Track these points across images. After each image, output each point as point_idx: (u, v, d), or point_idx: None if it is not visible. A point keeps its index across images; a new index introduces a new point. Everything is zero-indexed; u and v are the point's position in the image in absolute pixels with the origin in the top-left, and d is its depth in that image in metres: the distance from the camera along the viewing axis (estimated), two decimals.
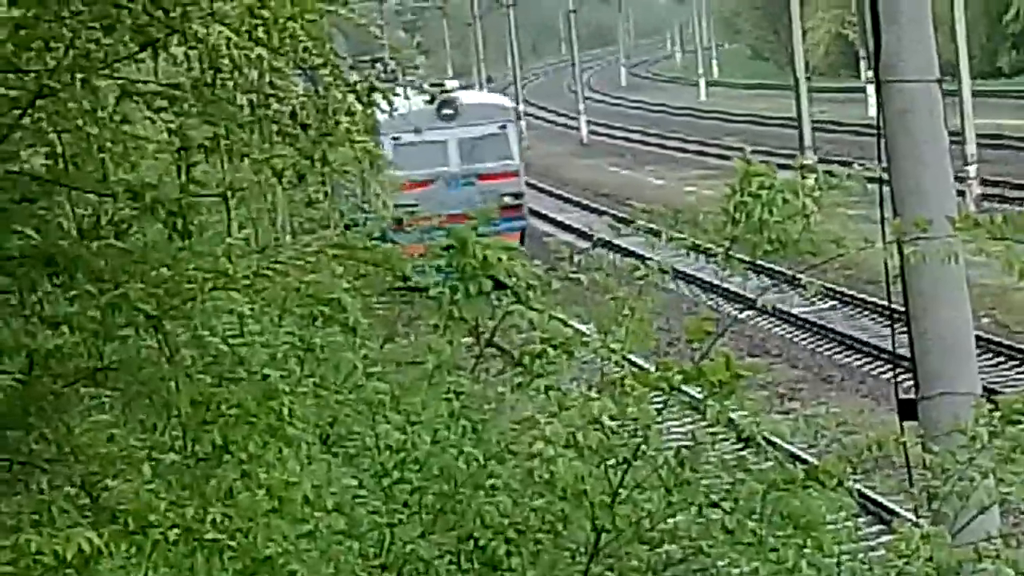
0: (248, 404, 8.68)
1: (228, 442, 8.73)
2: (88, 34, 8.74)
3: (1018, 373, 36.45)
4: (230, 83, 9.12)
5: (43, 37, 8.83)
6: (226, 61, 8.84)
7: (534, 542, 7.93)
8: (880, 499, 20.26)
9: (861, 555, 8.45)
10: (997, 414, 8.62)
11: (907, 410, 10.34)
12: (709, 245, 9.07)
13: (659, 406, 8.06)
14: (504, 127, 43.04)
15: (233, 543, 8.02)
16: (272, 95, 9.33)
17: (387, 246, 12.24)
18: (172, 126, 9.37)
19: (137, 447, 9.21)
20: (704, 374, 8.18)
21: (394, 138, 41.03)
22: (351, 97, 9.59)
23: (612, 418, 7.76)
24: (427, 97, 40.65)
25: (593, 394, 7.86)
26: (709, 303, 51.92)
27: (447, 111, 42.22)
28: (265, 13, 8.85)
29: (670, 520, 8.25)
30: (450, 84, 47.69)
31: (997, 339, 36.17)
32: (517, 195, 44.40)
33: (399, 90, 37.01)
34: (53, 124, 9.08)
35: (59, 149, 9.24)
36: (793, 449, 9.98)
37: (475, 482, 7.83)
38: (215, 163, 9.90)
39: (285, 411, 8.54)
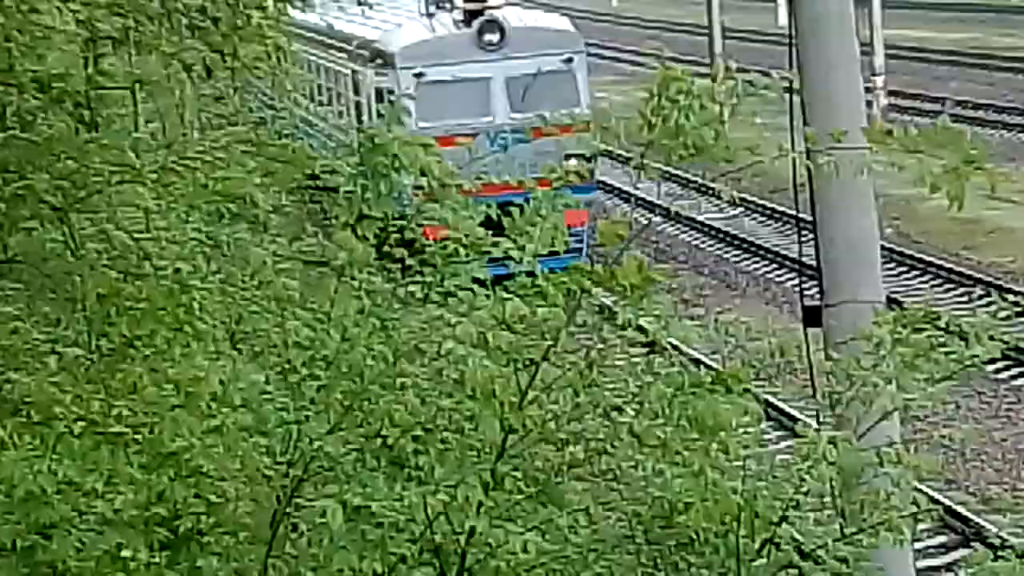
0: (156, 298, 8.67)
1: (134, 336, 8.72)
2: None
3: (921, 282, 37.01)
4: None
5: None
6: None
7: (442, 441, 7.94)
8: (782, 405, 20.44)
9: (766, 459, 8.49)
10: (900, 322, 8.72)
11: (811, 317, 10.43)
12: (620, 152, 9.23)
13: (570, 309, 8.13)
14: (570, 60, 30.72)
15: (138, 437, 8.00)
16: None
17: (296, 143, 12.04)
18: (81, 17, 9.33)
19: (41, 340, 9.21)
20: (616, 277, 8.21)
21: (416, 74, 29.20)
22: None
23: (523, 319, 7.79)
24: (458, 14, 31.76)
25: (504, 295, 7.92)
26: (618, 208, 51.73)
27: (491, 36, 29.66)
28: None
29: (576, 422, 8.32)
30: (495, 1, 34.63)
31: (900, 249, 36.65)
32: (589, 158, 28.45)
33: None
34: None
35: None
36: (698, 355, 10.04)
37: (384, 380, 7.82)
38: (123, 56, 9.88)
39: (194, 306, 8.54)
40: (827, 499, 8.26)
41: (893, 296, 15.96)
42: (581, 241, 26.82)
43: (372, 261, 8.56)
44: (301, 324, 8.12)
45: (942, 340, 8.67)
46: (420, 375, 7.88)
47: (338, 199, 8.73)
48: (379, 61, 27.62)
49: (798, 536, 7.78)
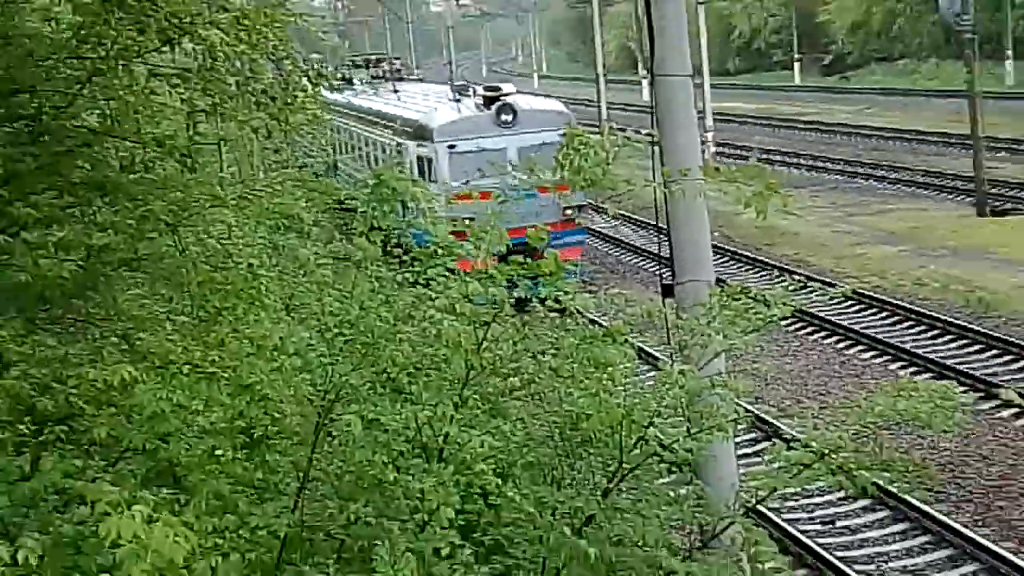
0: (236, 283, 8.92)
1: (223, 308, 8.97)
2: (127, 33, 8.88)
3: (737, 269, 37.24)
4: (223, 68, 9.37)
5: (97, 35, 8.95)
6: (220, 54, 9.09)
7: (426, 375, 8.11)
8: (649, 350, 20.44)
9: (639, 385, 8.74)
10: (724, 294, 9.05)
11: (667, 292, 10.82)
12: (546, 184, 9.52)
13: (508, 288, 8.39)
14: (564, 134, 30.10)
15: (226, 375, 8.22)
16: (251, 76, 9.59)
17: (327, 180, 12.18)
18: (183, 96, 9.62)
19: (160, 311, 9.48)
20: (540, 267, 8.56)
21: (449, 146, 28.98)
22: (304, 79, 9.86)
23: (480, 295, 8.10)
24: (479, 99, 31.75)
25: (467, 279, 8.18)
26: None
27: (506, 116, 29.59)
28: (247, 22, 9.05)
29: (515, 362, 8.59)
30: (507, 87, 34.53)
31: (724, 246, 36.54)
32: (580, 207, 31.89)
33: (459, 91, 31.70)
34: (104, 94, 9.29)
35: (108, 111, 9.46)
36: (594, 317, 10.21)
37: (388, 336, 7.91)
38: (212, 122, 10.16)
39: (261, 288, 8.78)
40: (679, 411, 8.28)
41: (720, 278, 15.89)
42: (578, 269, 27.42)
43: (379, 258, 8.77)
44: (332, 299, 8.33)
45: (752, 306, 8.76)
46: (412, 332, 8.07)
47: (356, 217, 8.90)
48: (420, 136, 27.31)
49: (660, 436, 8.00)
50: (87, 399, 7.97)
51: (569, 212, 26.15)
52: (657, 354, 18.97)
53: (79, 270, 8.78)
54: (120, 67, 9.12)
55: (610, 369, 8.28)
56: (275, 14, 9.15)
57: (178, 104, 9.53)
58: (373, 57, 62.51)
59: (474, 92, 31.77)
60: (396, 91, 45.38)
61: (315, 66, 10.08)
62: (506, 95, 28.81)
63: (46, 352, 8.42)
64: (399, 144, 33.47)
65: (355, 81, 51.51)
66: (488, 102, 28.84)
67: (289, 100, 9.60)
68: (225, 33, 8.96)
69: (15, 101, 9.04)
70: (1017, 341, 27.58)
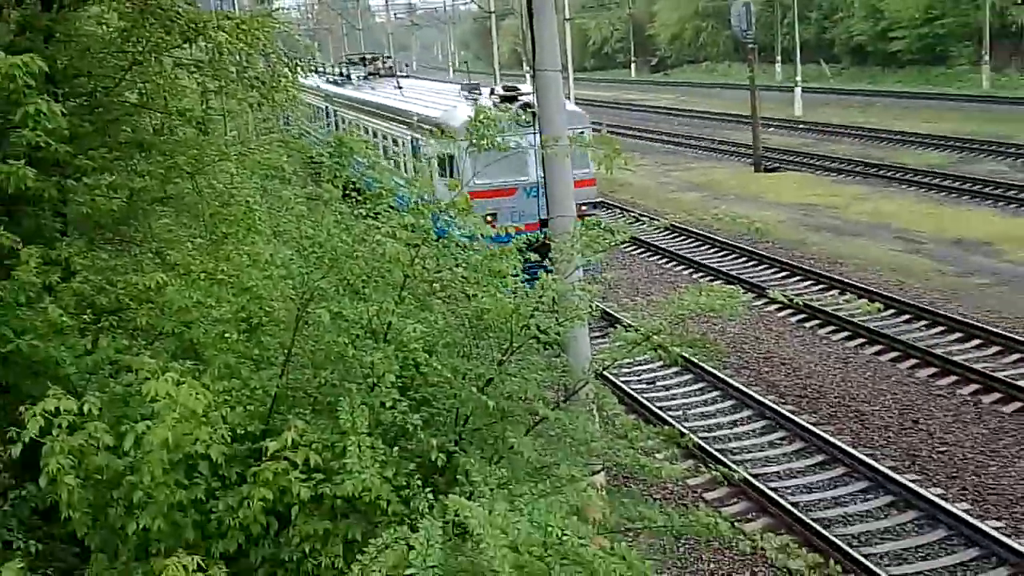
0: (238, 215, 8.86)
1: (227, 233, 8.90)
2: (157, 34, 8.77)
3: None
4: (227, 60, 9.27)
5: (135, 35, 8.83)
6: (225, 50, 8.99)
7: (375, 281, 8.05)
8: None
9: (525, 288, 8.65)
10: (584, 226, 9.02)
11: (544, 224, 10.87)
12: None
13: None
14: (582, 133, 22.11)
15: (231, 280, 8.20)
16: (247, 66, 9.49)
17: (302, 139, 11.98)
18: (198, 80, 9.53)
19: (183, 235, 9.40)
20: (456, 204, 8.57)
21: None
22: (285, 69, 9.78)
23: (413, 225, 8.07)
24: (495, 98, 24.61)
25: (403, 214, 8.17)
26: None
27: (526, 116, 22.11)
28: (244, 27, 8.95)
29: (438, 272, 8.56)
30: (523, 87, 27.79)
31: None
32: (595, 204, 24.75)
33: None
34: (140, 78, 9.18)
35: (144, 91, 9.34)
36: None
37: (347, 253, 7.86)
38: (219, 99, 10.03)
39: (256, 218, 8.71)
40: (551, 306, 8.28)
41: (580, 214, 16.04)
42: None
43: (339, 198, 8.71)
44: (307, 227, 8.23)
45: (601, 234, 8.70)
46: (364, 251, 8.02)
47: (323, 169, 8.84)
48: (442, 133, 21.30)
49: (538, 323, 7.97)
50: (131, 297, 7.97)
51: (584, 208, 20.40)
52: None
53: (124, 205, 8.73)
54: (152, 59, 9.04)
55: (504, 278, 8.26)
56: (264, 22, 9.10)
57: (194, 86, 9.50)
58: (368, 55, 52.49)
59: (491, 91, 25.91)
60: (400, 87, 36.66)
61: (292, 60, 9.97)
62: (524, 95, 23.32)
63: (101, 263, 8.39)
64: (415, 140, 28.12)
65: (352, 76, 43.89)
66: (505, 101, 23.36)
67: (274, 84, 9.57)
68: (228, 35, 8.91)
69: (76, 83, 8.91)
70: (779, 258, 28.43)
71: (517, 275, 8.47)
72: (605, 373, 8.97)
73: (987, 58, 65.75)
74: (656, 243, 30.94)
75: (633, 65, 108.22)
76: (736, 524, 6.93)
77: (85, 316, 7.80)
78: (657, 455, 8.08)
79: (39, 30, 8.38)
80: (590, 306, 8.64)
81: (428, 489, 6.79)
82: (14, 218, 8.09)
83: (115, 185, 8.50)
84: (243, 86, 9.37)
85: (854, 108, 63.74)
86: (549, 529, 5.91)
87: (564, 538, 5.85)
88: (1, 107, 7.21)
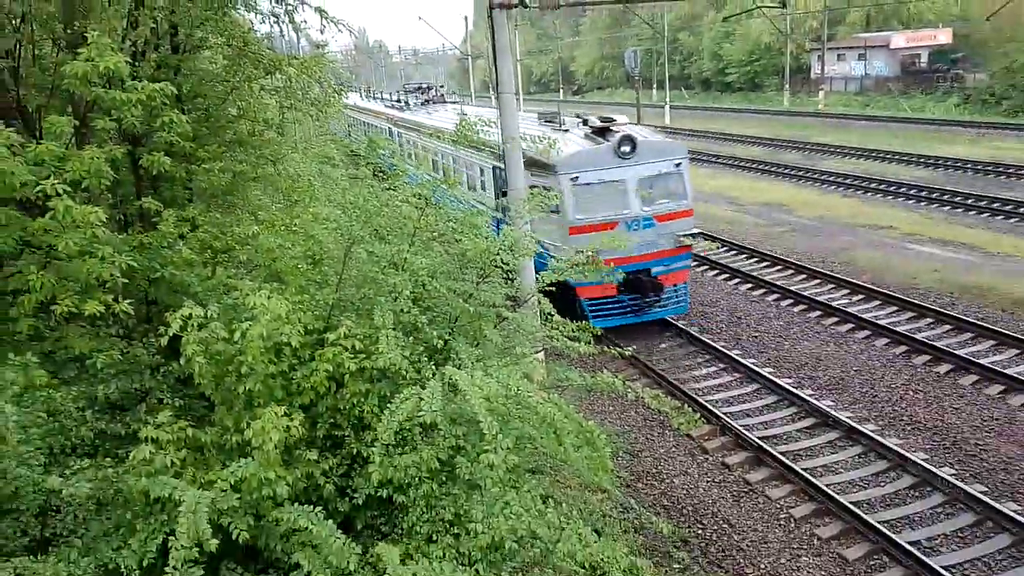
0: (303, 188, 8.77)
1: (297, 200, 8.78)
2: (248, 68, 8.62)
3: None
4: (295, 86, 9.13)
5: (234, 69, 8.66)
6: (294, 79, 8.86)
7: (395, 231, 8.00)
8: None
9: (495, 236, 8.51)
10: (530, 194, 8.89)
11: (503, 194, 10.76)
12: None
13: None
14: (679, 164, 16.60)
15: (301, 230, 8.01)
16: (308, 90, 9.33)
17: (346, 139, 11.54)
18: (276, 99, 9.37)
19: (269, 201, 9.26)
20: (447, 182, 8.47)
21: (572, 178, 15.68)
22: (333, 92, 9.63)
23: (420, 195, 8.02)
24: (588, 130, 17.24)
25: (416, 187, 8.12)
26: None
27: (626, 148, 15.88)
28: (306, 65, 8.84)
29: (437, 225, 8.43)
30: (621, 119, 17.48)
31: None
32: (693, 235, 17.31)
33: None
34: (239, 98, 9.04)
35: (241, 106, 9.18)
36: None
37: (376, 212, 7.73)
38: (291, 112, 9.75)
39: (314, 190, 8.61)
40: (510, 247, 8.16)
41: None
42: (686, 290, 17.91)
43: (370, 176, 8.62)
44: (350, 195, 8.14)
45: (545, 199, 8.60)
46: (388, 211, 7.96)
47: (360, 157, 8.73)
48: (538, 166, 15.30)
49: (502, 258, 7.91)
50: (236, 241, 7.92)
51: (683, 239, 16.67)
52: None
53: (230, 182, 8.64)
54: (246, 85, 8.89)
55: (477, 228, 8.22)
56: (319, 61, 8.96)
57: (274, 103, 9.33)
58: (424, 84, 43.30)
59: (582, 122, 17.95)
60: (465, 115, 18.44)
61: (338, 87, 9.81)
62: (621, 126, 17.00)
63: (216, 220, 8.32)
64: (495, 168, 18.39)
65: (410, 102, 34.78)
66: (600, 132, 16.81)
67: (326, 103, 9.43)
68: (296, 70, 8.77)
69: (196, 102, 8.76)
70: None
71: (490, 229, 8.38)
72: (545, 289, 8.68)
73: (787, 86, 66.05)
74: None
75: (561, 91, 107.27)
76: (626, 382, 7.05)
77: (206, 255, 7.77)
78: (577, 341, 8.10)
79: (170, 67, 8.23)
80: (534, 246, 8.59)
81: (432, 363, 6.88)
82: (157, 191, 8.02)
83: (223, 169, 8.41)
84: (305, 104, 9.22)
85: (703, 119, 63.68)
86: (509, 386, 6.03)
87: (519, 392, 5.97)
88: (147, 118, 7.11)
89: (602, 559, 6.17)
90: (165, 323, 6.03)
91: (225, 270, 7.71)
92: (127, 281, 6.46)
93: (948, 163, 35.13)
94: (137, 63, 7.71)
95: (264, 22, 9.01)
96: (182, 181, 8.31)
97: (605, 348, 7.92)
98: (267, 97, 9.24)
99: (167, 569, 5.04)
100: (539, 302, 8.54)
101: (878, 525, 10.77)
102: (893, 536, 10.50)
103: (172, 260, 7.16)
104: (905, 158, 37.05)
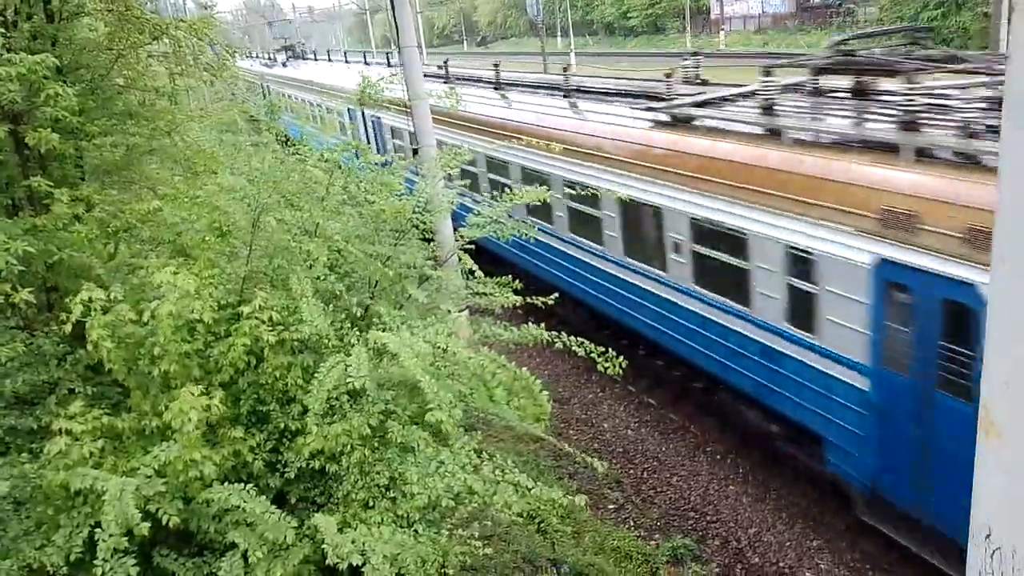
0: (203, 157, 8.48)
1: (198, 170, 8.51)
2: (132, 34, 8.24)
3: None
4: (185, 51, 8.75)
5: (118, 36, 8.25)
6: (183, 43, 8.51)
7: (305, 196, 7.83)
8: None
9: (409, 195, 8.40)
10: (442, 153, 8.71)
11: (416, 152, 10.54)
12: None
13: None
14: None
15: (206, 202, 7.72)
16: (200, 54, 8.93)
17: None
18: (165, 66, 8.95)
19: (167, 174, 8.86)
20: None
21: None
22: (226, 55, 9.27)
23: (327, 158, 7.80)
24: None
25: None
26: None
27: None
28: (195, 27, 8.50)
29: (346, 188, 8.21)
30: None
31: None
32: None
33: None
34: (125, 67, 8.61)
35: (129, 75, 8.76)
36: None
37: (283, 178, 7.57)
38: (182, 79, 9.31)
39: (216, 159, 8.34)
40: (425, 204, 8.05)
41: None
42: None
43: (275, 141, 8.34)
44: (254, 162, 7.88)
45: (454, 156, 8.41)
46: (296, 176, 7.69)
47: (261, 122, 8.46)
48: None
49: (420, 217, 7.81)
50: (137, 218, 7.57)
51: None
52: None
53: (124, 156, 8.24)
54: (131, 53, 8.44)
55: (392, 188, 8.10)
56: (208, 22, 8.57)
57: (163, 70, 8.89)
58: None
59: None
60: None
61: (230, 49, 9.41)
62: None
63: (112, 198, 7.94)
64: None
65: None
66: None
67: (219, 66, 9.07)
68: (184, 33, 8.35)
69: (79, 73, 8.22)
70: None
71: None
72: (465, 247, 8.63)
73: (688, 27, 66.86)
74: None
75: (464, 42, 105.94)
76: (551, 331, 7.12)
77: (106, 234, 7.43)
78: (496, 295, 8.07)
79: (47, 37, 7.73)
80: (450, 202, 8.51)
81: (355, 329, 6.79)
82: (47, 171, 7.60)
83: (115, 143, 8.00)
84: (198, 69, 8.83)
85: (608, 65, 63.90)
86: (437, 344, 6.02)
87: (447, 349, 5.97)
88: (28, 92, 6.70)
89: (539, 505, 6.31)
90: (67, 309, 5.77)
91: (128, 249, 7.37)
92: (23, 268, 6.14)
93: None
94: (9, 34, 7.21)
95: None
96: (72, 159, 7.87)
97: (527, 299, 7.96)
98: (156, 64, 8.78)
99: (96, 562, 4.91)
100: (460, 259, 8.50)
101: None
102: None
103: (70, 242, 6.82)
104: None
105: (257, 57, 43.51)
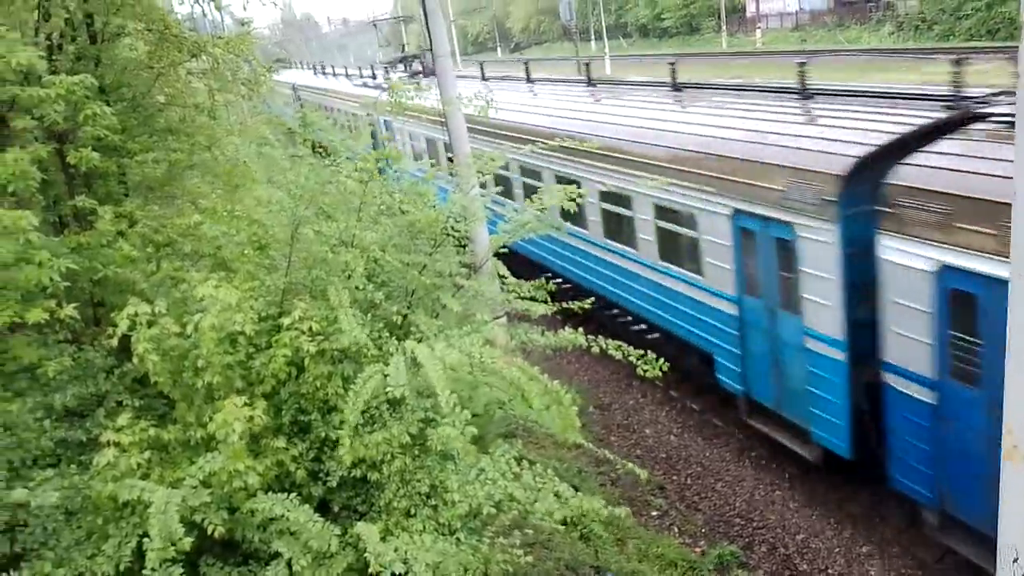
0: (244, 171, 8.63)
1: (238, 184, 8.64)
2: (172, 53, 8.42)
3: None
4: (223, 67, 8.91)
5: (158, 55, 8.43)
6: (221, 60, 8.68)
7: (341, 208, 7.92)
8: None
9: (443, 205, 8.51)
10: (476, 157, 8.76)
11: (450, 160, 10.54)
12: None
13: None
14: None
15: (244, 215, 7.91)
16: (237, 70, 9.10)
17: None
18: (204, 83, 9.13)
19: (208, 188, 9.00)
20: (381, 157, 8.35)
21: None
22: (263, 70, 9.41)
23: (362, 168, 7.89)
24: None
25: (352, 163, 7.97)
26: None
27: None
28: (232, 44, 8.67)
29: (382, 199, 8.34)
30: None
31: None
32: None
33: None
34: (167, 84, 8.80)
35: (170, 92, 8.94)
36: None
37: (320, 190, 7.69)
38: (222, 95, 9.45)
39: (255, 172, 8.47)
40: (461, 213, 8.10)
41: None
42: None
43: (310, 152, 8.45)
44: (291, 175, 7.99)
45: (487, 162, 8.52)
46: (332, 188, 7.83)
47: (297, 134, 8.58)
48: None
49: (454, 225, 7.82)
50: (178, 233, 7.74)
51: None
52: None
53: (165, 172, 8.40)
54: (171, 71, 8.63)
55: (426, 197, 8.18)
56: (244, 39, 8.74)
57: (203, 87, 9.08)
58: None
59: None
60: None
61: (268, 64, 9.58)
62: None
63: (155, 213, 8.09)
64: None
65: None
66: None
67: (255, 82, 9.23)
68: (221, 50, 8.52)
69: (120, 92, 8.43)
70: None
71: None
72: (498, 252, 8.68)
73: (724, 27, 66.22)
74: None
75: (498, 49, 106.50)
76: (589, 336, 7.10)
77: (148, 249, 7.60)
78: (535, 301, 8.07)
79: (90, 58, 7.93)
80: (486, 213, 8.53)
81: (393, 338, 6.86)
82: (91, 188, 7.80)
83: (157, 159, 8.16)
84: (235, 84, 9.00)
85: (644, 67, 63.65)
86: (472, 354, 6.04)
87: (483, 359, 5.99)
88: (70, 112, 6.88)
89: (581, 513, 6.29)
90: (113, 324, 5.91)
91: (170, 263, 7.51)
92: (69, 284, 6.29)
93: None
94: (54, 57, 7.42)
95: (183, 3, 8.74)
96: (115, 176, 8.06)
97: (563, 304, 7.97)
98: (195, 81, 8.97)
99: (144, 572, 5.02)
100: (494, 266, 8.52)
101: None
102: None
103: (113, 259, 6.99)
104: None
105: (350, 75, 37.83)
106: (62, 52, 7.56)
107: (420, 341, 6.45)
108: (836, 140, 9.72)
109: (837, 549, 10.30)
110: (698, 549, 10.67)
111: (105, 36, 8.00)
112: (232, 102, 9.38)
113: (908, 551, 9.99)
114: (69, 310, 6.07)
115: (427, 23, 10.01)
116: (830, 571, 9.97)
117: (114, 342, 5.92)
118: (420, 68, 28.38)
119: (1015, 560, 1.15)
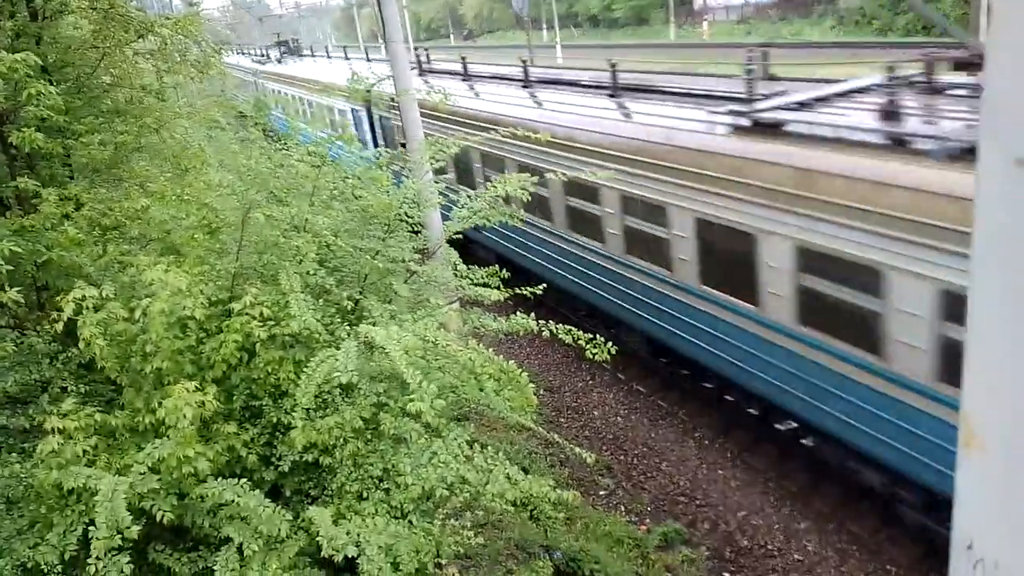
0: (193, 154, 8.40)
1: (187, 167, 8.41)
2: (118, 32, 8.13)
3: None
4: (171, 48, 8.65)
5: (103, 34, 8.13)
6: (169, 41, 8.41)
7: (293, 192, 7.74)
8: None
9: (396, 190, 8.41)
10: (429, 144, 8.64)
11: (404, 146, 10.41)
12: None
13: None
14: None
15: (194, 199, 7.68)
16: (186, 51, 8.85)
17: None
18: (152, 63, 8.85)
19: (156, 172, 8.76)
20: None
21: None
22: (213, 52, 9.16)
23: (314, 152, 7.76)
24: None
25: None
26: None
27: None
28: (180, 24, 8.40)
29: (334, 184, 8.18)
30: None
31: None
32: None
33: None
34: (112, 65, 8.51)
35: (116, 74, 8.65)
36: None
37: (271, 174, 7.52)
38: (170, 76, 9.20)
39: (205, 155, 8.26)
40: (415, 199, 8.06)
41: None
42: None
43: (262, 137, 8.27)
44: (241, 159, 7.82)
45: (441, 149, 8.42)
46: (283, 172, 7.66)
47: (248, 118, 8.39)
48: None
49: (407, 212, 7.79)
50: (126, 216, 7.50)
51: None
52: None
53: (112, 155, 8.15)
54: (117, 51, 8.33)
55: (380, 183, 8.05)
56: (193, 20, 8.48)
57: (150, 68, 8.79)
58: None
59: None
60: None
61: (217, 45, 9.31)
62: None
63: (101, 196, 7.85)
64: None
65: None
66: None
67: (205, 63, 8.97)
68: (170, 30, 8.26)
69: (64, 72, 8.15)
70: None
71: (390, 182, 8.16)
72: (452, 239, 8.60)
73: (672, 18, 66.73)
74: None
75: (451, 36, 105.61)
76: (539, 320, 7.08)
77: (95, 233, 7.36)
78: (487, 287, 8.04)
79: (31, 35, 7.62)
80: (438, 198, 8.44)
81: (344, 323, 6.76)
82: (34, 170, 7.51)
83: (103, 141, 7.92)
84: (184, 66, 8.74)
85: (593, 57, 63.82)
86: (426, 338, 5.99)
87: (436, 342, 5.94)
88: (11, 92, 6.61)
89: (531, 495, 6.30)
90: (58, 308, 5.71)
91: (117, 247, 7.29)
92: (12, 268, 6.06)
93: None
94: None
95: None
96: (60, 157, 7.78)
97: (515, 290, 7.93)
98: (142, 62, 8.68)
99: (89, 560, 4.88)
100: (446, 252, 8.45)
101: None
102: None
103: (58, 242, 6.75)
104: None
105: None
106: (0, 29, 7.25)
107: (373, 325, 6.37)
108: None
109: (777, 525, 10.51)
110: (644, 527, 10.80)
111: (47, 13, 7.69)
112: (181, 84, 9.07)
113: (843, 526, 10.25)
114: (12, 294, 5.85)
115: (380, 9, 9.84)
116: (770, 547, 10.17)
117: (59, 327, 5.72)
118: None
119: (969, 547, 1.16)
